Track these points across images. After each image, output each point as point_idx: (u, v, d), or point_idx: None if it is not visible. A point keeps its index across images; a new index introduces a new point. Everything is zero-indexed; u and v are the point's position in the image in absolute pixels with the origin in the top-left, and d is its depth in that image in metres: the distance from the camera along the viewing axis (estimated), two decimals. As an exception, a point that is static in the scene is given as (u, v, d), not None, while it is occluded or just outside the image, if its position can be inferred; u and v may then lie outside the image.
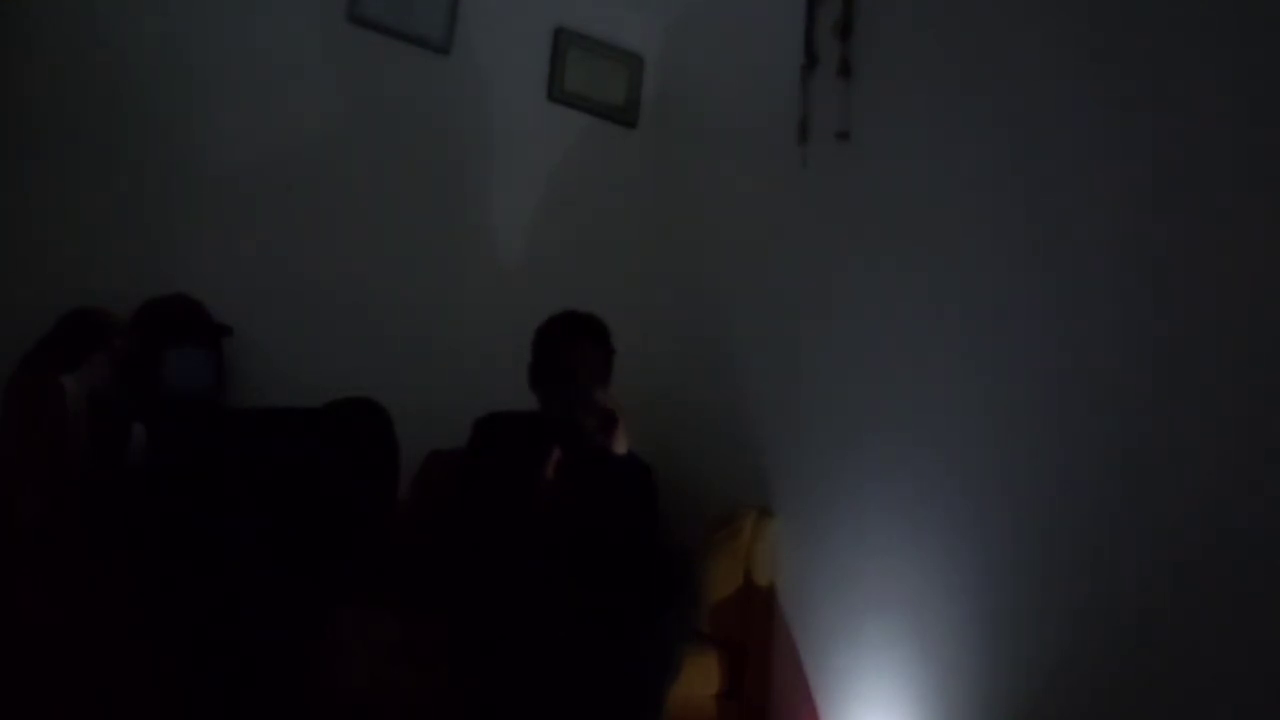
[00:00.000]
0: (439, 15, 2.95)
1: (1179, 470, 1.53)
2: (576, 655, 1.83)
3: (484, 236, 3.04)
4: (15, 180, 2.36)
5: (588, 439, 1.98)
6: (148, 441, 2.07)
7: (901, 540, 2.02)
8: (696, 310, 2.98)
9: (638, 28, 3.32)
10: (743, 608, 2.32)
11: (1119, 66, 1.74)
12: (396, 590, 2.11)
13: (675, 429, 2.81)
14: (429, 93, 2.96)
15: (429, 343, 2.85)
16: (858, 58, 2.39)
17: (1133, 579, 1.57)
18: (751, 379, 2.65)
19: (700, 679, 2.17)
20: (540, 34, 3.16)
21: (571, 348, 2.11)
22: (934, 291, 2.07)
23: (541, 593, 1.89)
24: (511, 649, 1.87)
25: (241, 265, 2.61)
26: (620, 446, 2.02)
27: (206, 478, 2.06)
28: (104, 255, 2.43)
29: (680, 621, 1.94)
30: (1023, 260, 1.87)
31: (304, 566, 1.99)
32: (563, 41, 3.18)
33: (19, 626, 1.73)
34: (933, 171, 2.13)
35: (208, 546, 1.92)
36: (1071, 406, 1.72)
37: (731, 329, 2.79)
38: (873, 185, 2.31)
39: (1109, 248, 1.70)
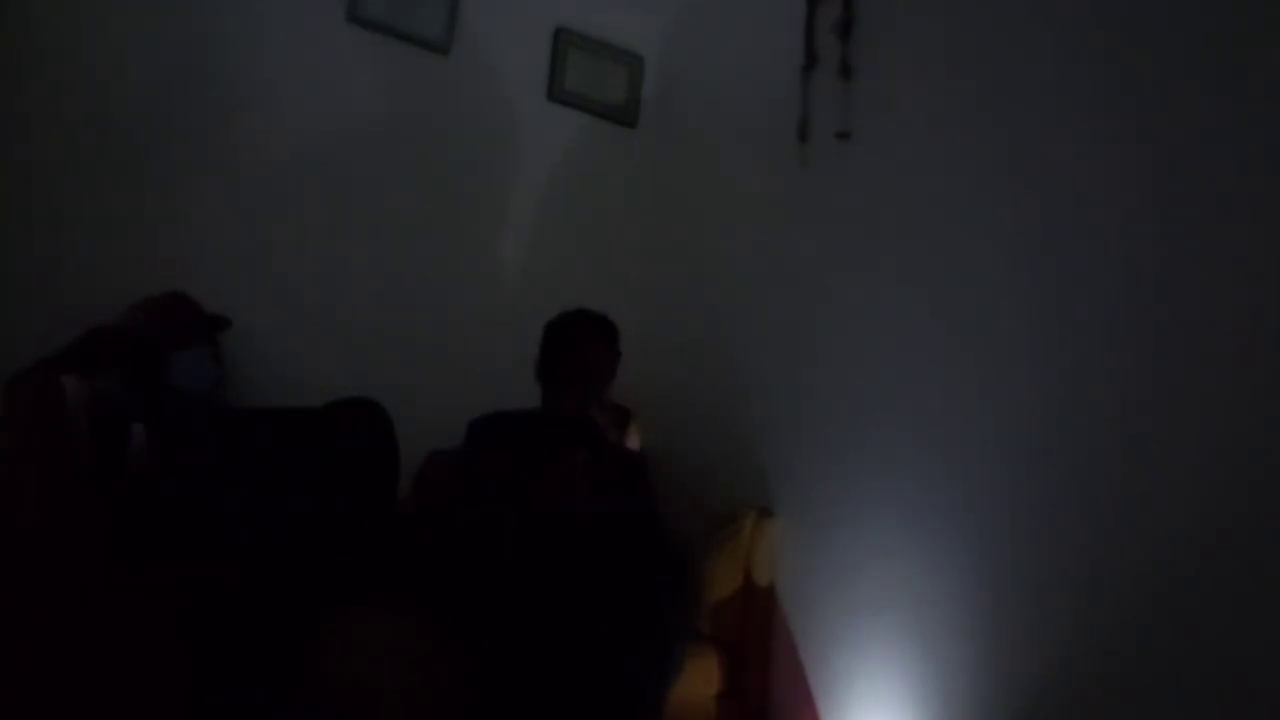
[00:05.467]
0: (439, 15, 2.95)
1: (1178, 470, 1.53)
2: (575, 654, 1.84)
3: (483, 236, 3.04)
4: (14, 180, 2.36)
5: (602, 436, 1.99)
6: (148, 442, 2.07)
7: (901, 540, 2.02)
8: (696, 310, 2.98)
9: (638, 28, 3.32)
10: (743, 608, 2.32)
11: (1119, 66, 1.74)
12: (396, 589, 2.11)
13: (675, 428, 2.80)
14: (429, 93, 2.95)
15: (428, 342, 2.85)
16: (858, 58, 2.39)
17: (1133, 579, 1.57)
18: (751, 379, 2.65)
19: (700, 679, 2.17)
20: (540, 34, 3.16)
21: (584, 346, 2.13)
22: (934, 291, 2.07)
23: (543, 591, 1.89)
24: (511, 648, 1.87)
25: (241, 265, 2.61)
26: (633, 443, 2.04)
27: (206, 478, 2.06)
28: (103, 255, 2.43)
29: (680, 621, 1.94)
30: (1023, 260, 1.87)
31: (303, 566, 1.99)
32: (563, 41, 3.18)
33: (18, 627, 1.73)
34: (933, 171, 2.13)
35: (207, 546, 1.92)
36: (1071, 406, 1.72)
37: (731, 329, 2.79)
38: (873, 185, 2.31)
39: (1110, 247, 1.70)
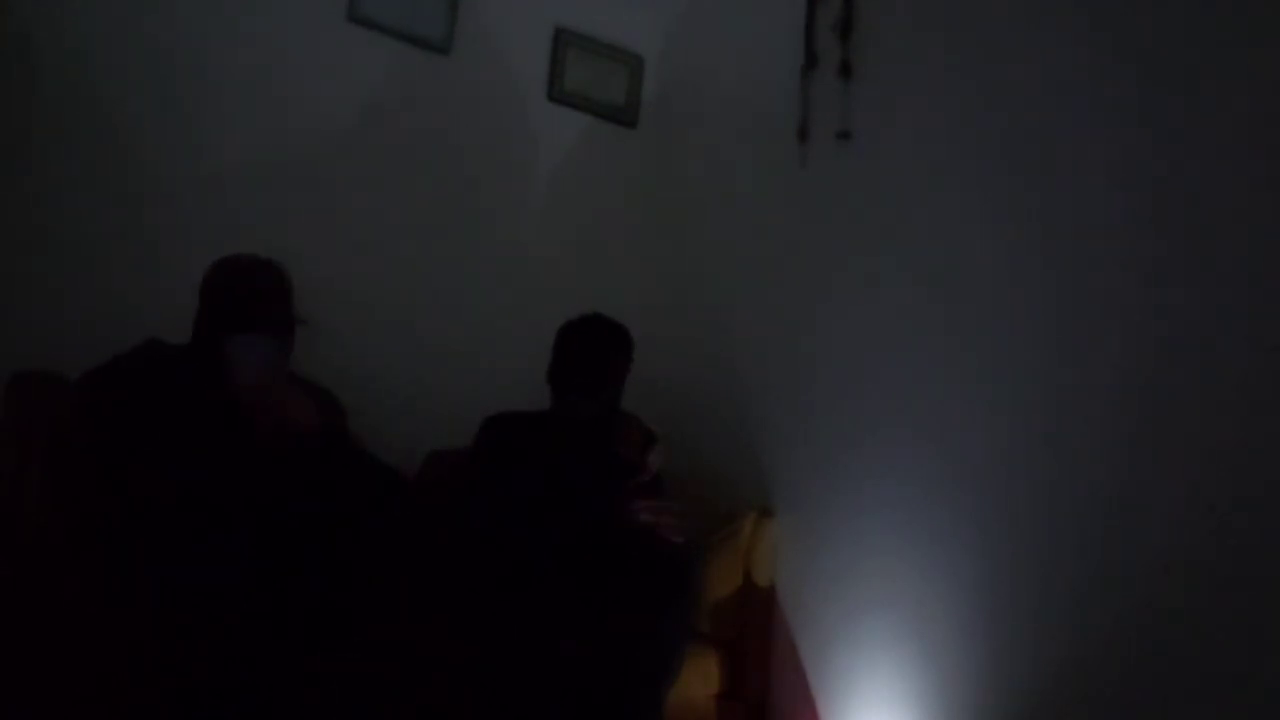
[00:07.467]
0: (439, 15, 2.94)
1: (1179, 470, 1.53)
2: (576, 655, 1.83)
3: (483, 237, 3.03)
4: (14, 180, 2.36)
5: (622, 454, 2.02)
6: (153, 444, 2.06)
7: (901, 540, 2.02)
8: (696, 310, 2.98)
9: (638, 28, 3.32)
10: (742, 608, 2.32)
11: (1120, 67, 1.75)
12: (396, 589, 2.11)
13: (675, 428, 2.80)
14: (429, 93, 2.95)
15: (427, 343, 2.85)
16: (858, 58, 2.39)
17: (1133, 579, 1.57)
18: (751, 379, 2.65)
19: (700, 679, 2.17)
20: (540, 34, 3.16)
21: (597, 352, 2.14)
22: (934, 291, 2.07)
23: (544, 593, 1.89)
24: (512, 646, 1.87)
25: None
26: (654, 467, 2.05)
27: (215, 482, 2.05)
28: (103, 256, 2.43)
29: (680, 621, 1.94)
30: (1022, 259, 1.87)
31: (317, 567, 1.98)
32: (563, 41, 3.18)
33: (20, 629, 1.73)
34: (933, 172, 2.13)
35: (205, 547, 1.91)
36: (1071, 406, 1.72)
37: (731, 329, 2.79)
38: (873, 185, 2.31)
39: (1109, 246, 1.70)
